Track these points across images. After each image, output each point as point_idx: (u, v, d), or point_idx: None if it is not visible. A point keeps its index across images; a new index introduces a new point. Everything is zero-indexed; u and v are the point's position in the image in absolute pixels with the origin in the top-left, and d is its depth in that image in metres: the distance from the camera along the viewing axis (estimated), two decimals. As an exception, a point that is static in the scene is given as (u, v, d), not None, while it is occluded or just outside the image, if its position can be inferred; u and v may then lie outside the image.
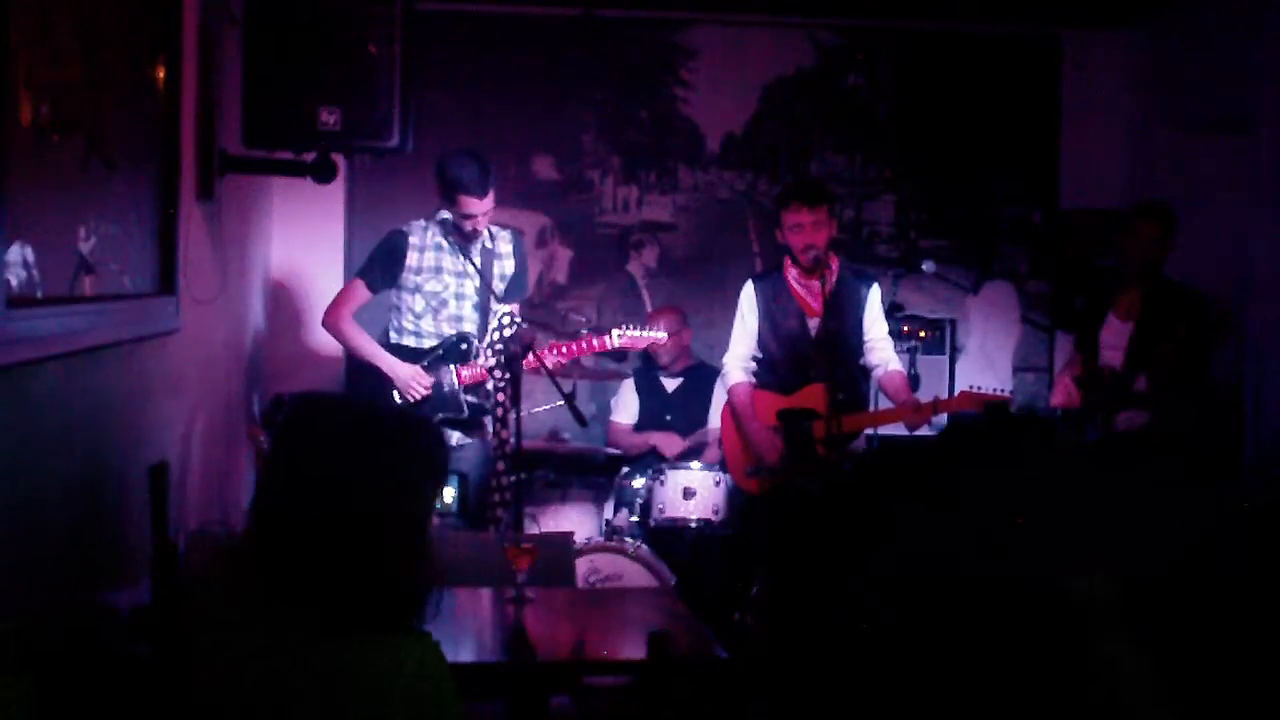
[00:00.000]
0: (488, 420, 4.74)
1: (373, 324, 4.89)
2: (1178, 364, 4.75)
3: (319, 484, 1.92)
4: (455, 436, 4.74)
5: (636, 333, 4.80)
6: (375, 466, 1.93)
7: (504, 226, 4.93)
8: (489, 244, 4.76)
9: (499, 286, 4.75)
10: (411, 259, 4.69)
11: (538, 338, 4.62)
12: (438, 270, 4.71)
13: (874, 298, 4.93)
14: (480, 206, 4.58)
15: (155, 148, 3.60)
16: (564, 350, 4.71)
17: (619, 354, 5.42)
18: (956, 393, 4.86)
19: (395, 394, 4.64)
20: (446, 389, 4.66)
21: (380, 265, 4.75)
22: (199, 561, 3.37)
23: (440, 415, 4.65)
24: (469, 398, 4.69)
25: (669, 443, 5.58)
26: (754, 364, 4.97)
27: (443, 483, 2.03)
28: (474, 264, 4.65)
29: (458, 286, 4.73)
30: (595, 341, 4.75)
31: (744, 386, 4.93)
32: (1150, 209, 4.98)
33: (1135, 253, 4.90)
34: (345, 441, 1.94)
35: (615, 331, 4.77)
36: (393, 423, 2.02)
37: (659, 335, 4.89)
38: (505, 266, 4.80)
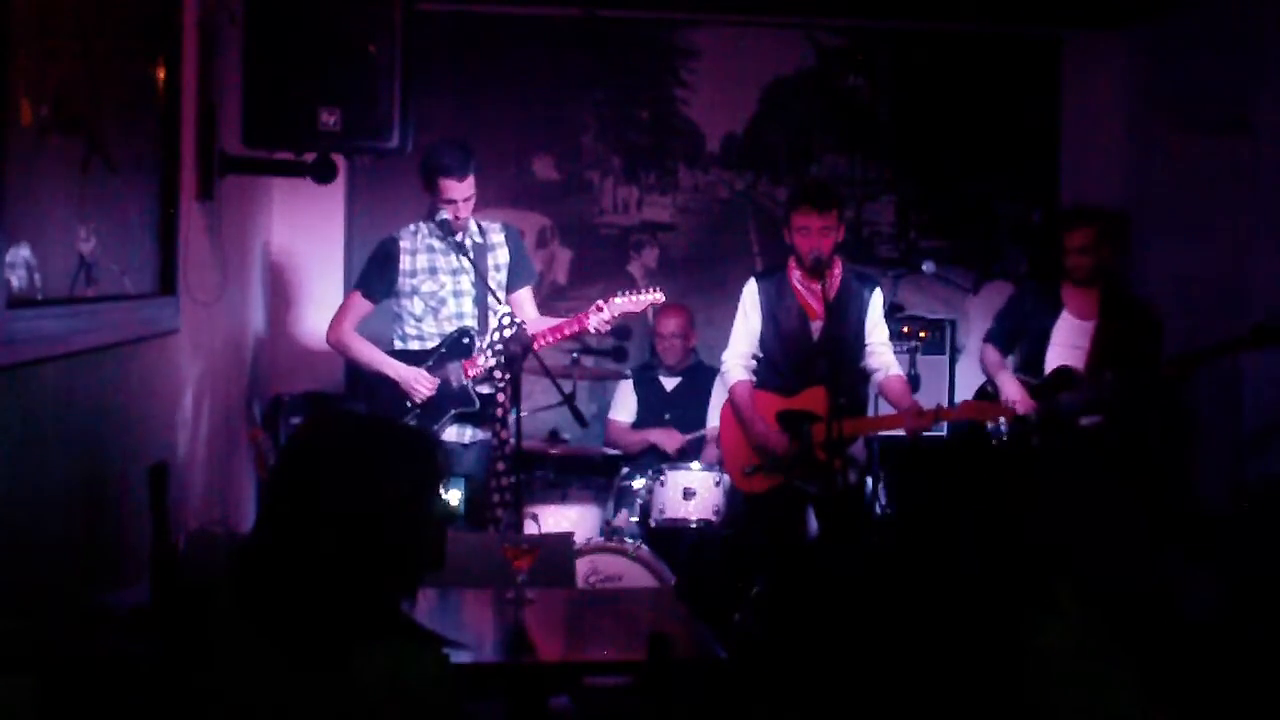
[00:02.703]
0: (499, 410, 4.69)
1: (379, 339, 4.86)
2: (1144, 368, 4.80)
3: (320, 495, 1.94)
4: (469, 433, 4.74)
5: (634, 297, 4.67)
6: (375, 477, 1.96)
7: (495, 221, 4.91)
8: (480, 238, 4.74)
9: (496, 279, 4.74)
10: (405, 263, 4.69)
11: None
12: (432, 271, 4.70)
13: (876, 301, 4.90)
14: (460, 190, 4.57)
15: (155, 148, 3.60)
16: (560, 332, 4.64)
17: (620, 351, 5.39)
18: (960, 402, 4.84)
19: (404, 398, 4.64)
20: (455, 384, 4.65)
21: (376, 274, 4.74)
22: (199, 563, 3.37)
23: (453, 411, 4.65)
24: (480, 389, 4.68)
25: (668, 438, 5.58)
26: (754, 362, 4.95)
27: (440, 488, 2.04)
28: (468, 258, 4.63)
29: (454, 285, 4.72)
30: (593, 313, 4.62)
31: (745, 385, 4.91)
32: (1075, 216, 4.99)
33: (1073, 262, 4.95)
34: (345, 452, 1.97)
35: (614, 300, 4.65)
36: (391, 432, 2.05)
37: (657, 296, 4.73)
38: (499, 257, 4.78)
